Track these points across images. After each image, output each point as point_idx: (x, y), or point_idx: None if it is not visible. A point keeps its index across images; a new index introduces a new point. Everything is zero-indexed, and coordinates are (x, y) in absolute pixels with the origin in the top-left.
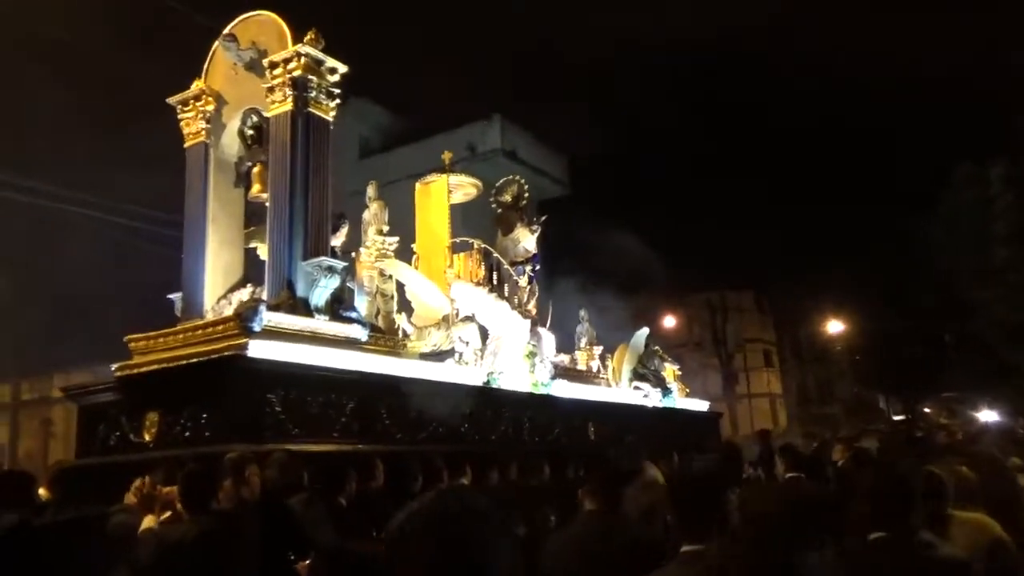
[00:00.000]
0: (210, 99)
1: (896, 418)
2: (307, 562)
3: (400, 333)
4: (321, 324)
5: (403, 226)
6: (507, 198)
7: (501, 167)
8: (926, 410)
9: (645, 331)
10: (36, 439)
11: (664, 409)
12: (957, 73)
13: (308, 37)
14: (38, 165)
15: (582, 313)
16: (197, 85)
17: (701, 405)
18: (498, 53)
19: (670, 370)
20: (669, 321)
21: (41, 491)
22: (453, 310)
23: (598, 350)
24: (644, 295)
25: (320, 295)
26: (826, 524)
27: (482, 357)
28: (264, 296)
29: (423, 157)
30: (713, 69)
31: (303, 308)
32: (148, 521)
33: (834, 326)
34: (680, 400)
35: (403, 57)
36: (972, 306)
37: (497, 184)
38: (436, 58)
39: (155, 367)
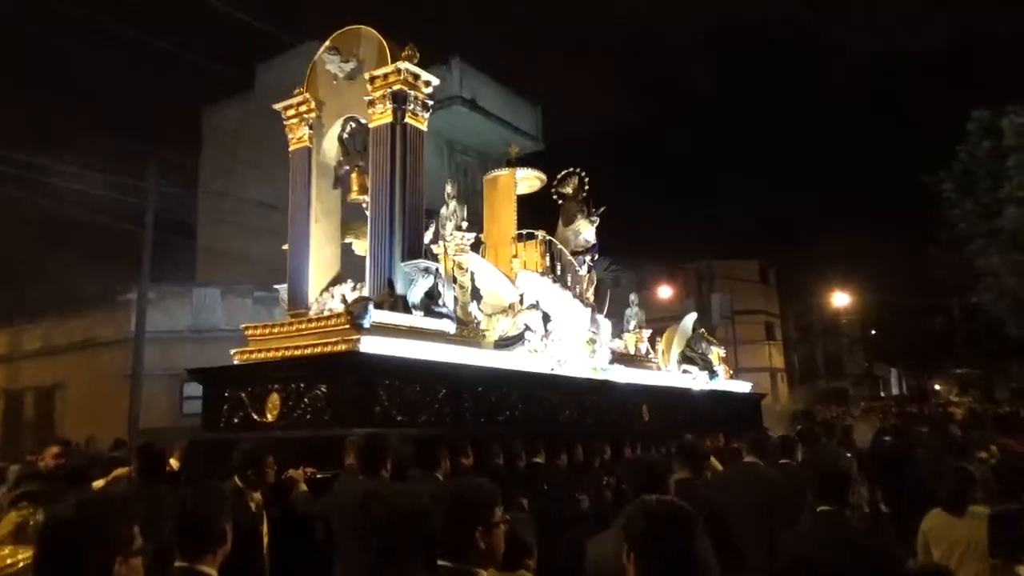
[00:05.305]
0: (312, 107)
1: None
2: None
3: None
4: (417, 319)
5: None
6: (568, 190)
7: (461, 117)
8: (937, 387)
9: (693, 315)
10: None
11: (711, 391)
12: None
13: (405, 52)
14: None
15: (632, 297)
16: (300, 93)
17: (744, 387)
18: None
19: (716, 353)
20: (664, 292)
21: (172, 461)
22: (519, 298)
23: (647, 333)
24: (641, 266)
25: (417, 293)
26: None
27: (547, 344)
28: (365, 293)
29: None
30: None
31: (402, 305)
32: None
33: (844, 298)
34: (725, 382)
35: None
36: (980, 275)
37: (558, 176)
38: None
39: (276, 355)
